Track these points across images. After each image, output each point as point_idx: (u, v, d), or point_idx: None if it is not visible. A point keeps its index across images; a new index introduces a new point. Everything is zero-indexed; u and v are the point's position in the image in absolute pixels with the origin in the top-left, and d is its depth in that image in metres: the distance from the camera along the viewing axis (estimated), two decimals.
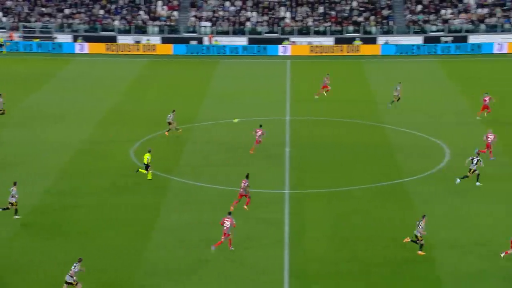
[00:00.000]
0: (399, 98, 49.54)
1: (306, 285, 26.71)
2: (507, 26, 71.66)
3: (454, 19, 73.05)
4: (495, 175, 37.01)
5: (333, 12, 75.46)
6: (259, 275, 27.32)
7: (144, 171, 36.93)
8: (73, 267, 25.62)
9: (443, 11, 73.95)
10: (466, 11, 73.71)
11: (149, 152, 36.98)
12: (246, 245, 29.58)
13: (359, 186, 35.87)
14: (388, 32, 72.98)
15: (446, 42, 70.82)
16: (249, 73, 63.86)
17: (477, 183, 35.23)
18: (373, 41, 72.00)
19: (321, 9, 75.97)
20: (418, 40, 71.45)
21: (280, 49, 71.41)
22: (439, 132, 44.18)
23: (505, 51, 69.01)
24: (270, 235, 30.47)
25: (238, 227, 29.67)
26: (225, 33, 73.99)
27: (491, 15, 72.85)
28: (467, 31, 71.82)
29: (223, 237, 28.72)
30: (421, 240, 28.41)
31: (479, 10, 73.52)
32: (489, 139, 38.96)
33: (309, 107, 51.06)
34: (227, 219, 28.76)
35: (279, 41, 72.19)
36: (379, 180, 36.63)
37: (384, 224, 31.51)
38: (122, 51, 71.48)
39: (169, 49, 71.76)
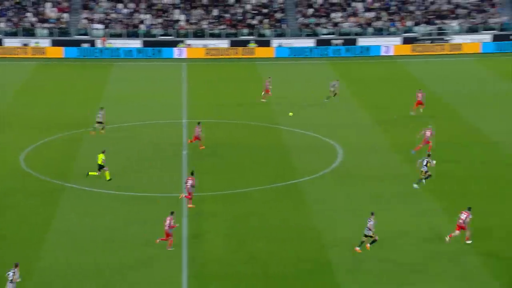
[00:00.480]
0: (335, 94, 51.71)
1: (204, 286, 26.86)
2: (392, 29, 74.38)
3: (344, 22, 75.14)
4: (385, 175, 38.35)
5: (227, 15, 75.95)
6: (158, 277, 27.28)
7: (95, 173, 36.57)
8: (11, 273, 24.88)
9: (333, 15, 75.90)
10: (354, 14, 75.96)
11: (103, 153, 36.79)
12: (145, 248, 29.41)
13: (256, 188, 36.32)
14: (281, 35, 74.17)
15: (336, 44, 72.77)
16: (145, 76, 63.33)
17: (415, 186, 35.52)
18: (267, 44, 73.00)
19: (215, 12, 76.30)
20: (310, 42, 73.01)
21: (176, 52, 71.21)
22: (332, 132, 45.32)
23: (391, 53, 71.61)
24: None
25: (136, 232, 29.37)
26: (119, 35, 73.06)
27: (378, 18, 75.40)
28: (356, 34, 74.06)
29: (166, 237, 29.17)
30: (375, 235, 28.79)
31: (367, 14, 75.93)
32: (426, 135, 39.83)
33: (205, 109, 51.21)
34: (169, 218, 29.12)
35: (174, 44, 71.98)
36: (274, 181, 37.21)
37: (280, 224, 32.07)
38: (9, 54, 69.30)
39: (60, 52, 70.14)
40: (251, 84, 59.98)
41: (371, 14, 75.77)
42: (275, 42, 73.00)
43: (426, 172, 35.20)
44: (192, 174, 33.80)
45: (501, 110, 50.11)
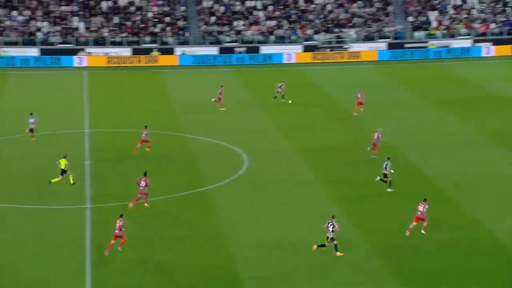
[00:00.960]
0: (282, 95, 53.95)
1: None
2: (293, 37, 75.54)
3: (246, 30, 75.70)
4: (290, 180, 38.78)
5: (128, 23, 74.97)
6: None
7: (57, 179, 36.43)
8: None
9: (235, 23, 76.33)
10: (256, 23, 76.67)
11: (64, 157, 36.71)
12: (45, 262, 28.50)
13: (163, 197, 35.90)
14: (184, 43, 73.89)
15: (240, 52, 73.19)
16: (44, 85, 61.60)
17: (388, 189, 36.22)
18: (170, 51, 72.53)
19: (116, 20, 75.17)
20: (214, 50, 73.09)
21: (76, 60, 69.62)
22: (237, 139, 45.44)
23: (293, 61, 72.67)
24: (74, 252, 29.58)
25: (35, 247, 28.34)
26: (14, 43, 70.77)
27: (279, 27, 76.39)
28: (259, 42, 74.72)
29: (113, 240, 29.14)
30: (335, 240, 28.94)
31: (268, 22, 76.80)
32: (374, 138, 40.93)
33: (108, 119, 50.27)
34: (119, 221, 29.12)
35: (74, 52, 70.37)
36: (182, 189, 36.92)
37: (187, 232, 31.78)
38: None
39: None
40: (155, 92, 59.41)
41: (273, 23, 76.67)
42: (179, 50, 72.66)
43: (386, 175, 36.09)
44: (145, 174, 34.10)
45: (397, 115, 51.64)
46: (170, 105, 55.07)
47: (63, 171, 36.48)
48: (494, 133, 45.87)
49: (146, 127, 42.15)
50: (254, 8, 78.56)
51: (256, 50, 73.46)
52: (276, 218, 33.37)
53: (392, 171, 36.34)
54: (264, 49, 73.62)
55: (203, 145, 44.65)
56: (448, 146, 43.17)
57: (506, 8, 77.88)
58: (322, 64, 71.69)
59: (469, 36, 75.37)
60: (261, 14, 77.67)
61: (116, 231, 29.09)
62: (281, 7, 78.61)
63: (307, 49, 73.93)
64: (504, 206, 34.34)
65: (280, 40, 75.09)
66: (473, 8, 78.40)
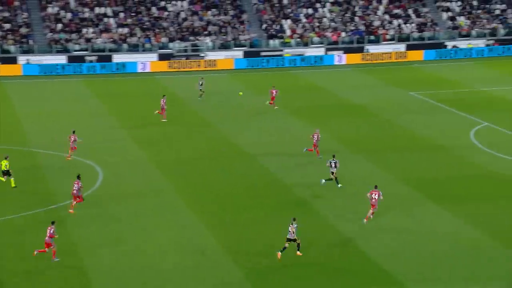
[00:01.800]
0: (202, 92, 57.17)
1: None
2: (148, 45, 74.71)
3: (97, 38, 73.96)
4: (146, 191, 38.14)
5: None
6: None
7: (2, 179, 36.94)
8: None
9: (84, 30, 74.38)
10: (107, 30, 75.12)
11: (6, 158, 37.26)
12: None
13: (13, 216, 34.17)
14: (29, 52, 71.07)
15: (91, 61, 71.34)
16: None
17: (338, 185, 37.99)
18: (13, 61, 69.47)
19: None
20: (62, 59, 70.79)
21: None
22: (91, 152, 44.12)
23: (148, 69, 71.82)
24: None
25: None
26: None
27: (132, 34, 75.29)
28: (111, 50, 73.23)
29: (46, 248, 29.37)
30: (298, 239, 29.96)
31: (120, 30, 75.49)
32: (314, 138, 42.13)
33: None
34: (50, 228, 29.60)
35: None
36: (35, 207, 35.30)
37: (38, 254, 30.32)
38: None
39: None
40: None
41: (125, 30, 75.45)
42: (22, 59, 69.72)
43: (333, 173, 37.58)
44: (78, 177, 34.73)
45: (256, 123, 52.28)
46: (15, 116, 52.73)
47: (5, 172, 37.14)
48: (349, 140, 47.45)
49: (73, 132, 42.72)
50: (104, 15, 76.98)
51: (108, 58, 71.93)
52: (132, 233, 32.69)
53: (335, 169, 37.67)
54: (117, 58, 72.27)
55: (54, 159, 42.98)
56: (307, 154, 44.13)
57: (355, 17, 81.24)
58: (178, 73, 71.37)
59: (321, 45, 77.87)
60: (111, 21, 76.20)
61: (46, 238, 29.41)
62: (133, 14, 77.57)
63: (163, 57, 73.39)
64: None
65: (134, 49, 74.02)
66: (324, 17, 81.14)
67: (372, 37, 78.57)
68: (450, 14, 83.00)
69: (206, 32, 77.37)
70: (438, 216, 34.71)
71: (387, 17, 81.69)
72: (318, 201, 36.72)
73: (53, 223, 29.82)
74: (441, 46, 79.04)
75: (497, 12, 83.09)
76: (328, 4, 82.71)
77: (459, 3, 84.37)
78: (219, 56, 75.01)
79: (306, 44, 77.80)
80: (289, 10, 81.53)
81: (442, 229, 33.24)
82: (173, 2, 79.68)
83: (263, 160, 43.32)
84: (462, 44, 79.29)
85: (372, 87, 63.74)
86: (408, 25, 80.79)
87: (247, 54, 75.63)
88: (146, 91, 62.66)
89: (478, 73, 69.41)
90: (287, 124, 51.77)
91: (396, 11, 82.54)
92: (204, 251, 30.73)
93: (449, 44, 79.43)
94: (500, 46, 78.61)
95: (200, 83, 57.54)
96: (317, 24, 79.83)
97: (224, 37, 77.02)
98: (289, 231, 29.99)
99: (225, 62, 74.17)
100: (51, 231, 29.38)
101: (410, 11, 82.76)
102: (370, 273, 28.99)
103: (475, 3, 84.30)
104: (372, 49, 77.53)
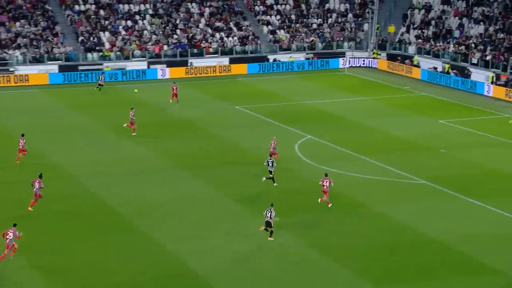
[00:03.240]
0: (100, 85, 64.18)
1: None
2: None
3: None
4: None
5: None
6: None
7: None
8: None
9: None
10: None
11: None
12: None
13: None
14: None
15: None
16: None
17: (274, 184, 41.65)
18: None
19: None
20: None
21: None
22: None
23: None
24: None
25: None
26: None
27: None
28: None
29: (6, 250, 30.15)
30: (273, 227, 33.41)
31: None
32: (271, 146, 45.10)
33: None
34: (10, 231, 30.58)
35: None
36: None
37: None
38: None
39: None
40: None
41: None
42: None
43: (271, 172, 41.27)
44: (40, 177, 37.14)
45: (76, 141, 51.21)
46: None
47: None
48: (177, 156, 47.74)
49: (23, 135, 44.89)
50: None
51: None
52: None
53: (270, 169, 41.23)
54: None
55: None
56: (135, 173, 43.81)
57: (177, 30, 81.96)
58: None
59: (144, 58, 77.76)
60: None
61: (7, 241, 30.41)
62: None
63: None
64: (189, 230, 35.78)
65: None
66: (145, 30, 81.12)
67: (195, 50, 79.64)
68: (270, 27, 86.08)
69: (15, 45, 74.62)
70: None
71: (209, 30, 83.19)
72: (145, 221, 36.63)
73: (14, 225, 31.25)
74: (264, 59, 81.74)
75: (314, 26, 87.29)
76: (148, 16, 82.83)
77: (278, 17, 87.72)
78: (31, 70, 72.68)
79: (127, 58, 77.32)
80: (107, 22, 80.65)
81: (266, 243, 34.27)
82: None
83: (85, 180, 42.51)
84: (284, 57, 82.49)
85: (199, 101, 64.54)
86: (230, 38, 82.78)
87: (63, 69, 73.85)
88: None
89: (300, 86, 72.48)
90: (111, 143, 51.08)
91: (218, 24, 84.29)
92: None
93: (271, 57, 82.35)
94: (319, 59, 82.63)
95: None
96: (137, 36, 79.61)
97: (37, 50, 74.68)
98: (266, 216, 33.67)
99: (38, 77, 71.94)
100: (16, 233, 30.89)
101: (231, 24, 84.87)
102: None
103: (293, 17, 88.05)
104: (196, 62, 78.60)
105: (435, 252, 33.32)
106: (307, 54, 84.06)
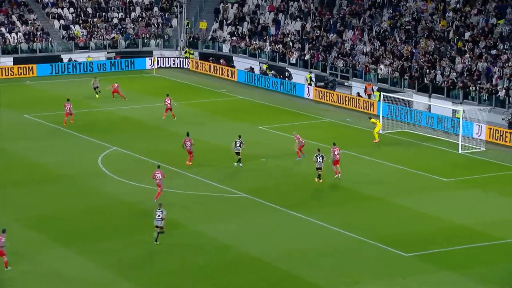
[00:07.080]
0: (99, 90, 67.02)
1: None
2: None
3: None
4: None
5: None
6: None
7: None
8: None
9: None
10: None
11: None
12: None
13: None
14: None
15: None
16: None
17: (239, 165, 48.40)
18: None
19: None
20: None
21: None
22: None
23: None
24: None
25: None
26: None
27: None
28: None
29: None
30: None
31: None
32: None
33: None
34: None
35: None
36: None
37: None
38: None
39: None
40: None
41: None
42: None
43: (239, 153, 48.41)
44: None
45: None
46: None
47: None
48: None
49: None
50: None
51: None
52: None
53: (244, 146, 47.95)
54: None
55: None
56: None
57: None
58: None
59: None
60: None
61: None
62: None
63: None
64: None
65: None
66: None
67: None
68: (63, 22, 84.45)
69: None
70: (67, 260, 35.15)
71: None
72: None
73: (4, 231, 32.90)
74: (57, 59, 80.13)
75: (115, 21, 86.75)
76: None
77: (72, 9, 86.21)
78: None
79: None
80: None
81: (69, 273, 33.75)
82: None
83: None
84: (81, 57, 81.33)
85: None
86: (13, 34, 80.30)
87: None
88: None
89: (101, 90, 71.79)
90: None
91: None
92: None
93: (65, 57, 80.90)
94: (123, 59, 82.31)
95: (93, 81, 67.52)
96: None
97: None
98: (318, 161, 41.55)
99: None
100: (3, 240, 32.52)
101: (14, 18, 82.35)
102: None
103: (90, 10, 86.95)
104: None
105: (259, 271, 34.26)
106: (108, 53, 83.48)
